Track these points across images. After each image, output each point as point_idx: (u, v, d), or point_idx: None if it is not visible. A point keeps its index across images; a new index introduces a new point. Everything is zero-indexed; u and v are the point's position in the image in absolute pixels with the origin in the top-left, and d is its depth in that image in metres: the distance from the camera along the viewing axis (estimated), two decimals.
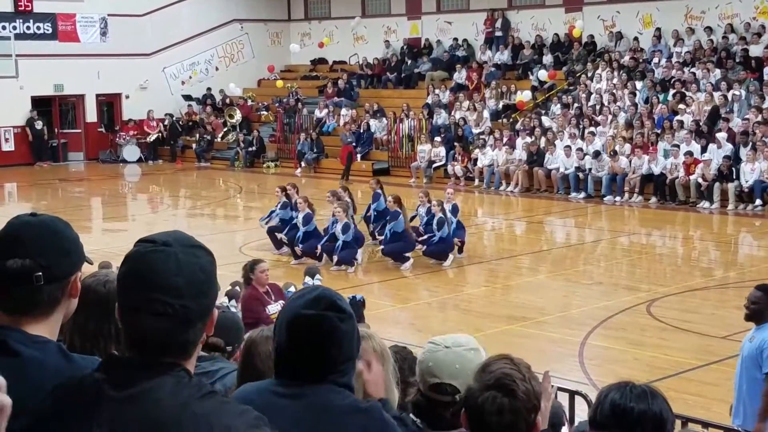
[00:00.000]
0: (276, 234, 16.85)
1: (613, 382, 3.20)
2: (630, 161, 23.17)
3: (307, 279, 10.66)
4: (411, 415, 3.17)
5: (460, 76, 30.31)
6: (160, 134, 33.38)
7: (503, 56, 30.43)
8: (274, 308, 9.00)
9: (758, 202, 21.05)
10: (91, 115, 33.46)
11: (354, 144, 28.56)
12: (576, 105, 26.38)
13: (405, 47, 33.40)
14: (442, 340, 3.27)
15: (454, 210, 16.44)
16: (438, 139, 27.02)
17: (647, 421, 2.91)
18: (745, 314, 6.82)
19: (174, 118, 33.66)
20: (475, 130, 27.19)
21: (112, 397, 2.08)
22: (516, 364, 2.75)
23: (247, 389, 2.77)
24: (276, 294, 9.41)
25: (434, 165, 26.68)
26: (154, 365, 2.10)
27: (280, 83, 33.72)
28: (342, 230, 15.61)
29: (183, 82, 35.05)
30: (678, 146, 22.59)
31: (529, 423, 2.67)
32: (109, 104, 34.20)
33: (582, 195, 23.67)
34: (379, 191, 17.35)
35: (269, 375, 3.58)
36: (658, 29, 27.72)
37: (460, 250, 16.49)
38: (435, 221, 15.81)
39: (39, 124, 31.60)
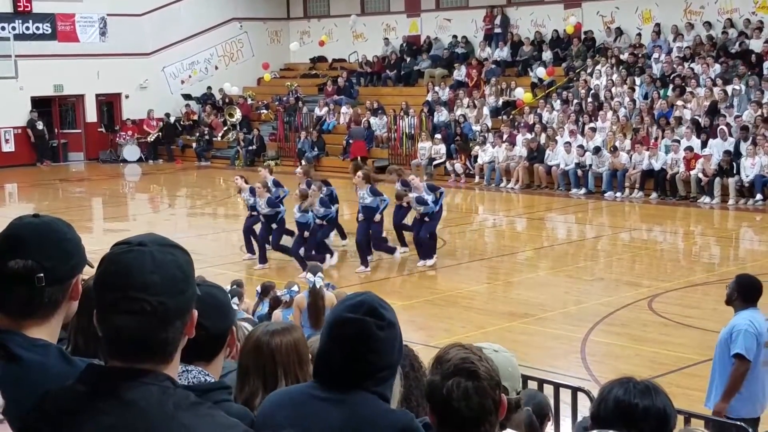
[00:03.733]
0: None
1: (615, 378, 3.20)
2: (630, 157, 23.17)
3: (309, 276, 10.63)
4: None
5: (459, 73, 30.29)
6: (159, 134, 33.38)
7: (503, 53, 30.42)
8: None
9: (759, 196, 21.06)
10: (91, 115, 33.46)
11: (366, 139, 28.50)
12: (576, 101, 26.38)
13: (404, 45, 33.39)
14: (485, 344, 3.21)
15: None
16: (438, 136, 27.03)
17: (652, 416, 2.91)
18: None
19: (171, 118, 33.65)
20: (475, 128, 27.21)
21: (96, 409, 2.04)
22: (467, 348, 2.75)
23: (284, 392, 2.79)
24: None
25: (435, 162, 26.69)
26: (136, 374, 2.06)
27: (267, 77, 33.75)
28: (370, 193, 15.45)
29: (183, 82, 35.04)
30: (678, 141, 22.60)
31: (495, 400, 2.68)
32: (109, 104, 34.19)
33: (582, 191, 23.67)
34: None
35: (270, 368, 3.56)
36: (658, 25, 27.70)
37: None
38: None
39: (39, 125, 31.61)
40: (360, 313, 2.62)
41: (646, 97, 25.35)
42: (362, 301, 2.66)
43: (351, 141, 28.35)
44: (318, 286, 10.16)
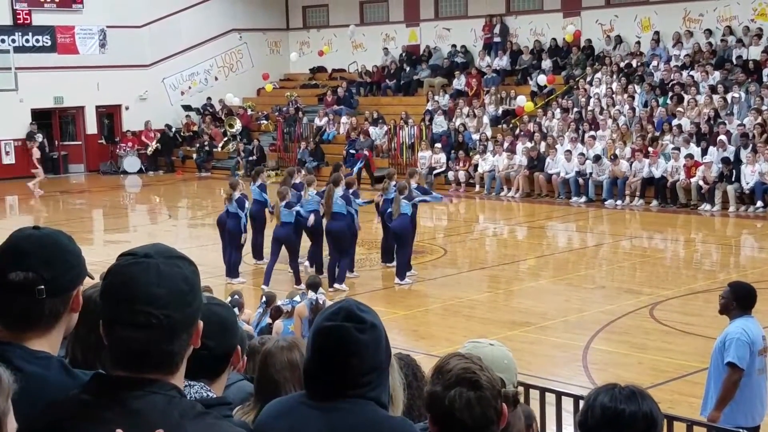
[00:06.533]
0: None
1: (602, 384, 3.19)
2: (631, 165, 23.18)
3: (310, 293, 10.64)
4: None
5: (459, 82, 30.33)
6: (158, 145, 33.41)
7: (502, 62, 30.45)
8: None
9: (759, 203, 21.06)
10: (92, 126, 33.48)
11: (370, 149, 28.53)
12: (575, 109, 26.40)
13: (404, 54, 33.42)
14: (482, 340, 3.35)
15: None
16: (438, 145, 27.06)
17: (638, 421, 2.91)
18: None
19: (171, 130, 33.65)
20: (475, 136, 27.23)
21: (100, 417, 2.03)
22: (468, 358, 2.74)
23: (277, 403, 2.79)
24: None
25: (435, 171, 26.70)
26: (142, 383, 2.06)
27: (269, 87, 33.81)
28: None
29: (182, 93, 35.07)
30: (678, 149, 22.61)
31: (497, 410, 2.68)
32: (109, 116, 34.23)
33: (583, 199, 23.67)
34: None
35: (286, 386, 3.61)
36: (657, 32, 27.73)
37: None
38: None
39: (39, 137, 31.60)
40: (339, 320, 2.59)
41: (645, 105, 25.38)
42: (340, 307, 2.64)
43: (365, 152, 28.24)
44: (321, 302, 10.19)
